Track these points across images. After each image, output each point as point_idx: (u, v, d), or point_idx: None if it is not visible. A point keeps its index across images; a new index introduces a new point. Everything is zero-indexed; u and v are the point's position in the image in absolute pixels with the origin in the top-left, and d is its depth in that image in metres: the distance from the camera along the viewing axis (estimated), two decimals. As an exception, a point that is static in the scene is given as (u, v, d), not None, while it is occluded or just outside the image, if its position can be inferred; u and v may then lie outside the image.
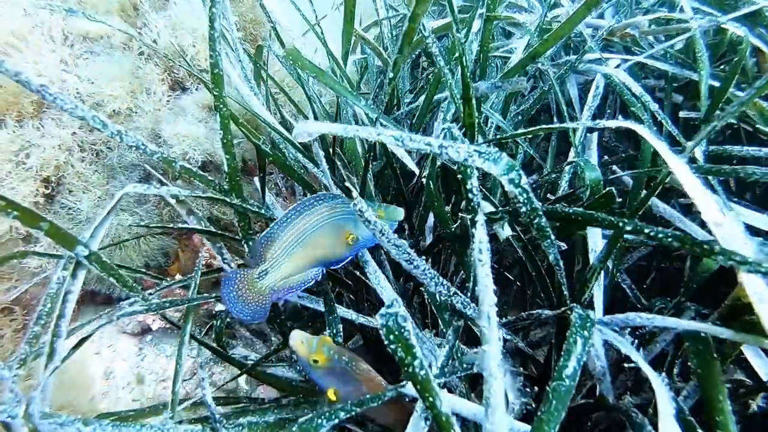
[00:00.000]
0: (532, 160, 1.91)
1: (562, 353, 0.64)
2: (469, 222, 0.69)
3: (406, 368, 0.54)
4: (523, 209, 0.67)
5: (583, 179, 1.15)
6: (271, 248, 0.98)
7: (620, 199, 1.00)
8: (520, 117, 1.60)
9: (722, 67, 1.63)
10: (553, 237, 0.73)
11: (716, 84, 1.37)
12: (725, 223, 0.61)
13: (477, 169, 0.72)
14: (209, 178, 0.93)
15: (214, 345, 1.12)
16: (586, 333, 0.66)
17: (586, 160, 1.06)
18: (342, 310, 1.12)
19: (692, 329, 0.75)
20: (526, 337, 1.17)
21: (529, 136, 1.92)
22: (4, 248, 1.81)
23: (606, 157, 1.54)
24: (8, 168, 1.64)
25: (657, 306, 1.26)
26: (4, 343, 1.75)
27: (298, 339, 0.86)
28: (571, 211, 0.78)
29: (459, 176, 0.76)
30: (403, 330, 0.56)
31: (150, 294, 1.79)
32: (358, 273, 1.16)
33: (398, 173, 1.43)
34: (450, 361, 0.86)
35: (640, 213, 0.88)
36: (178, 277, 2.09)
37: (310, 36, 1.83)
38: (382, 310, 0.63)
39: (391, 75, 0.79)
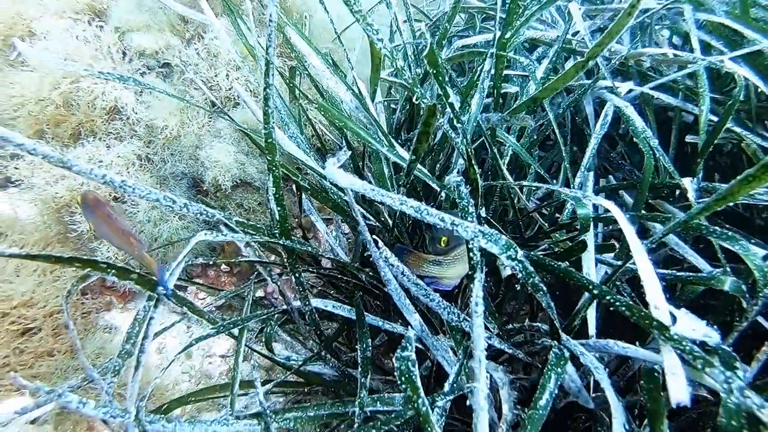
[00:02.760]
0: (550, 168, 2.05)
1: (539, 387, 0.82)
2: (470, 279, 0.87)
3: (412, 404, 0.74)
4: (520, 276, 0.84)
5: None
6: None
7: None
8: (535, 136, 1.74)
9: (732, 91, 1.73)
10: (545, 289, 0.90)
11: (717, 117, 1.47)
12: (663, 308, 0.77)
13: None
14: (258, 226, 1.12)
15: (265, 351, 1.34)
16: (559, 370, 0.84)
17: (578, 199, 1.21)
18: (370, 318, 1.32)
19: (651, 361, 0.92)
20: (529, 344, 1.34)
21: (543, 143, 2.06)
22: (78, 243, 2.08)
23: (610, 179, 1.68)
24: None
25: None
26: (78, 327, 2.03)
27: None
28: (556, 266, 0.95)
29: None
30: (412, 374, 0.75)
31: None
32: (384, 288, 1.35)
33: (421, 196, 1.61)
34: (459, 377, 1.05)
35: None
36: (223, 268, 2.34)
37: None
38: (398, 353, 0.82)
39: (413, 157, 0.95)
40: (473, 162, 1.02)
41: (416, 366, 0.78)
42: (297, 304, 1.30)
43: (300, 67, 1.58)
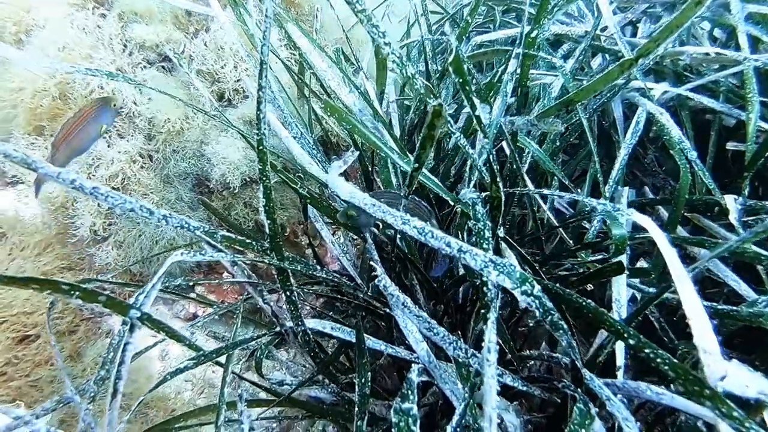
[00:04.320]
0: (571, 175, 1.90)
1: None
2: (482, 317, 0.75)
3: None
4: (537, 313, 0.72)
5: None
6: None
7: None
8: (558, 143, 1.60)
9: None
10: (565, 327, 0.77)
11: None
12: (714, 353, 0.63)
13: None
14: (247, 240, 1.01)
15: (255, 376, 1.24)
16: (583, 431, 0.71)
17: (613, 217, 1.07)
18: (372, 342, 1.20)
19: (693, 414, 0.79)
20: (546, 381, 1.22)
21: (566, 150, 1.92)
22: (78, 246, 2.01)
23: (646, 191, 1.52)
24: (84, 177, 1.82)
25: (681, 350, 1.28)
26: (80, 334, 1.96)
27: None
28: (584, 303, 0.82)
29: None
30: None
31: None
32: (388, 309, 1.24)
33: (432, 202, 1.48)
34: (464, 418, 0.93)
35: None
36: (225, 275, 2.25)
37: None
38: (397, 404, 0.71)
39: (416, 165, 0.83)
40: (498, 180, 0.90)
41: (417, 423, 0.66)
42: (291, 324, 1.20)
43: (305, 65, 1.46)
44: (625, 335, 0.73)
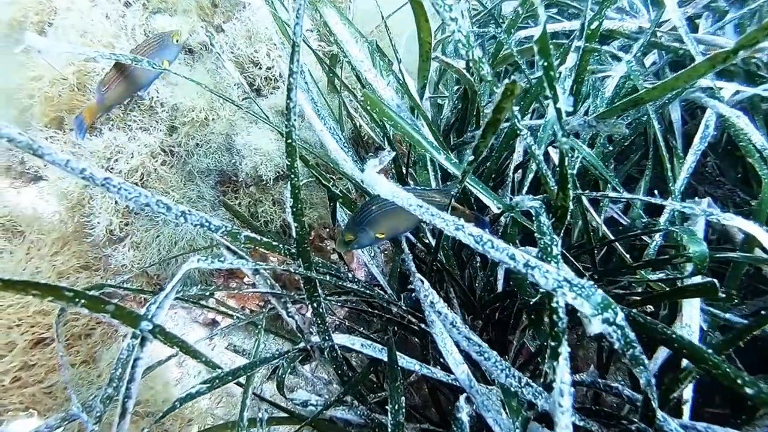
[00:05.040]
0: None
1: None
2: (549, 351, 0.62)
3: None
4: (617, 344, 0.59)
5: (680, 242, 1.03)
6: None
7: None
8: (610, 147, 1.46)
9: None
10: (646, 363, 0.64)
11: None
12: None
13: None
14: (273, 243, 0.90)
15: (276, 392, 1.13)
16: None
17: (690, 232, 0.93)
18: (405, 361, 1.08)
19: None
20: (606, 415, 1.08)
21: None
22: (95, 245, 1.94)
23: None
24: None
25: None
26: (96, 338, 1.88)
27: None
28: (675, 336, 0.69)
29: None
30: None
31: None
32: (424, 326, 1.12)
33: (474, 208, 1.36)
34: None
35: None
36: (246, 280, 2.15)
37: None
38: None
39: (472, 157, 0.71)
40: (569, 187, 0.77)
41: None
42: (317, 339, 1.08)
43: (340, 55, 1.35)
44: (739, 381, 0.59)
